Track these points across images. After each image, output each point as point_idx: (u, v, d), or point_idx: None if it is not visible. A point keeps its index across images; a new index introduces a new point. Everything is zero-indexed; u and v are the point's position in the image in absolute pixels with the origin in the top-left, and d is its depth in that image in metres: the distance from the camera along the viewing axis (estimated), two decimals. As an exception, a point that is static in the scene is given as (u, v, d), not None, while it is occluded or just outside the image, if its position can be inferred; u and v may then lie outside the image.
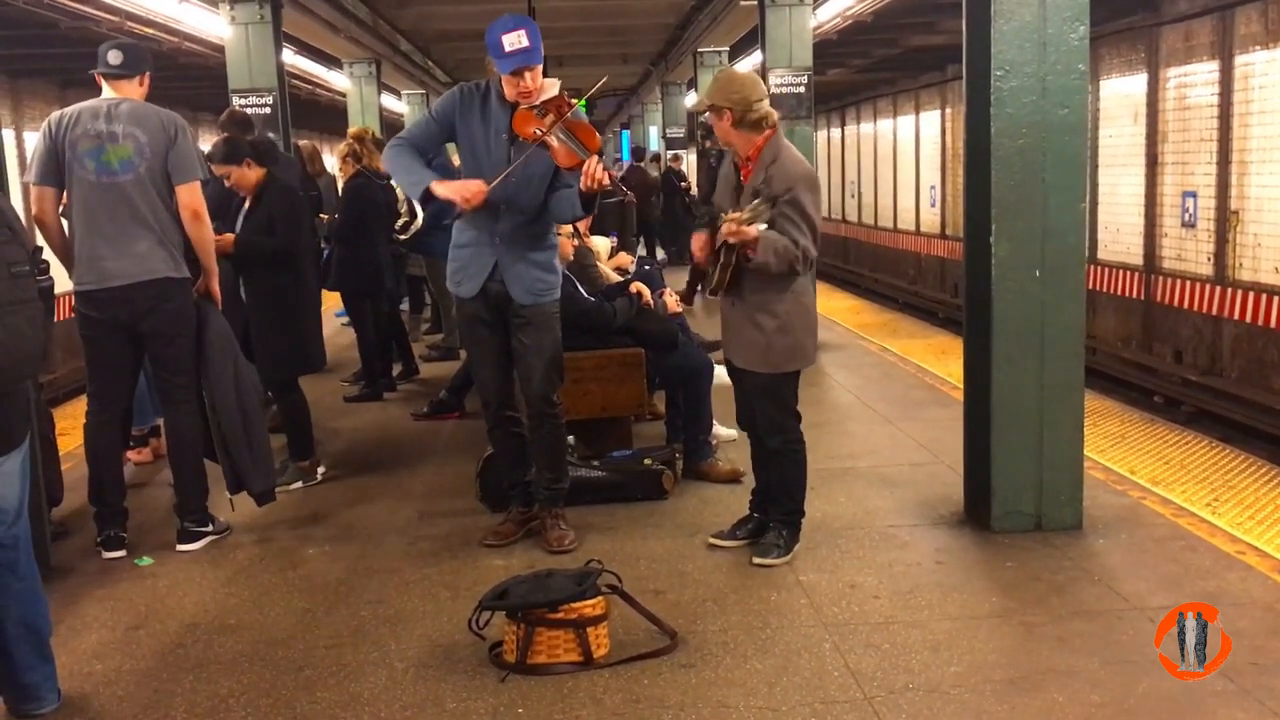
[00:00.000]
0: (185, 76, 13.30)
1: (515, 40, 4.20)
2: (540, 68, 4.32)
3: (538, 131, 4.24)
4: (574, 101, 4.36)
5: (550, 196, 4.44)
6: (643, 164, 18.08)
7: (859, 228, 22.76)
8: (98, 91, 4.72)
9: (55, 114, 4.68)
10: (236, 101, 8.57)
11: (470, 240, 4.52)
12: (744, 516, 4.69)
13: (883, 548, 4.60)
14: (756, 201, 4.15)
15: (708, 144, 12.97)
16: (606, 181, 4.21)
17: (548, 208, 4.48)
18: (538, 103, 4.30)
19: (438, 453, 6.36)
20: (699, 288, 4.41)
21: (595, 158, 4.21)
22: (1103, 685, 3.40)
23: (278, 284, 5.61)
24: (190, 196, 4.68)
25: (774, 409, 4.41)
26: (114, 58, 4.66)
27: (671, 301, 6.18)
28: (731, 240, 4.12)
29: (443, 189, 4.31)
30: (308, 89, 16.56)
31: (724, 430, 5.83)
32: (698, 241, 4.30)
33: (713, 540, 4.64)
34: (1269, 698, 3.30)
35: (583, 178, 4.22)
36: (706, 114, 4.37)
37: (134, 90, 4.71)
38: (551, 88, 4.36)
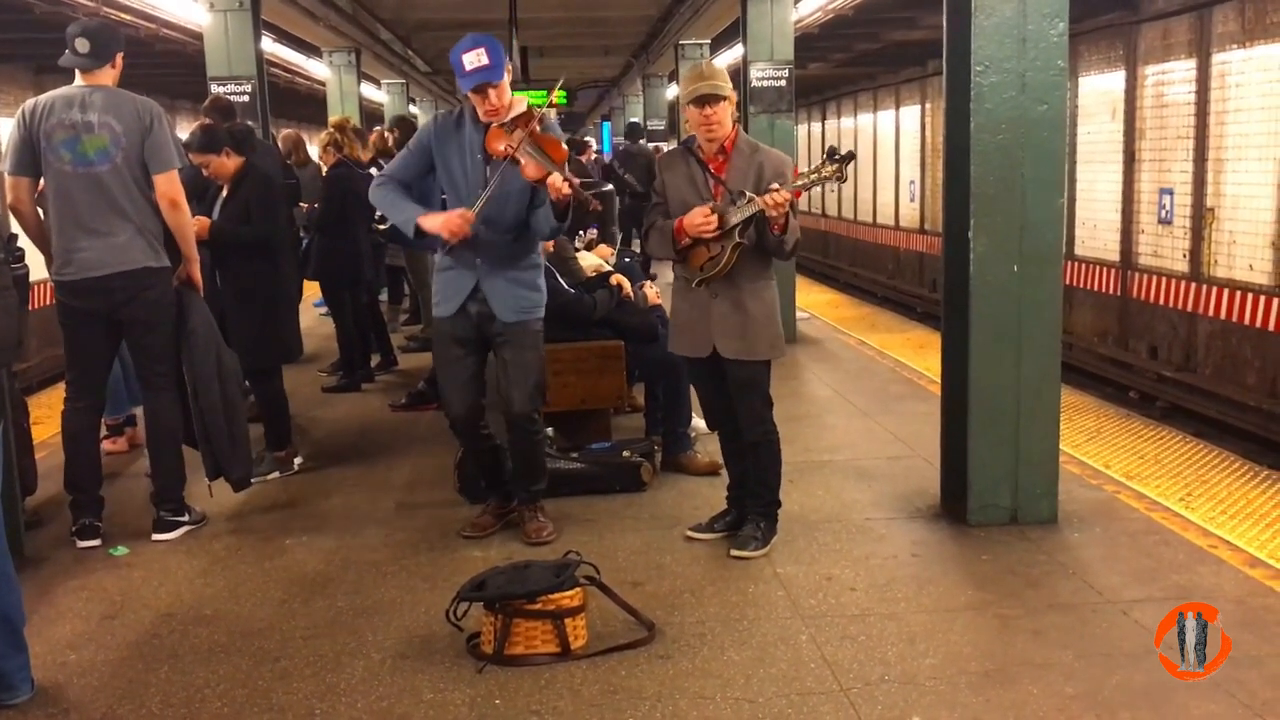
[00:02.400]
0: (162, 64, 13.18)
1: (475, 59, 4.22)
2: (505, 84, 4.31)
3: (507, 149, 4.24)
4: (542, 113, 4.34)
5: (531, 214, 4.42)
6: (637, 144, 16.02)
7: (838, 222, 22.80)
8: (72, 76, 4.67)
9: (29, 102, 4.62)
10: (215, 89, 8.50)
11: (451, 262, 4.49)
12: (722, 510, 4.70)
13: (859, 540, 4.62)
14: (817, 165, 4.11)
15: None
16: (567, 190, 4.18)
17: (530, 226, 4.46)
18: (506, 120, 4.30)
19: (416, 444, 6.34)
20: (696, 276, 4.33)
21: (557, 171, 4.19)
22: (1076, 677, 3.43)
23: (254, 273, 5.58)
24: (168, 185, 4.65)
25: (757, 399, 4.41)
26: (82, 46, 4.57)
27: (652, 293, 6.18)
28: (774, 212, 4.06)
29: (429, 222, 4.33)
30: (286, 77, 16.45)
31: (703, 423, 5.83)
32: (699, 214, 4.20)
33: (690, 533, 4.65)
34: (1239, 690, 3.33)
35: (548, 190, 4.22)
36: (707, 106, 4.21)
37: (107, 76, 4.65)
38: (519, 104, 4.37)
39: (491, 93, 4.27)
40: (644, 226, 4.50)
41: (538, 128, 4.27)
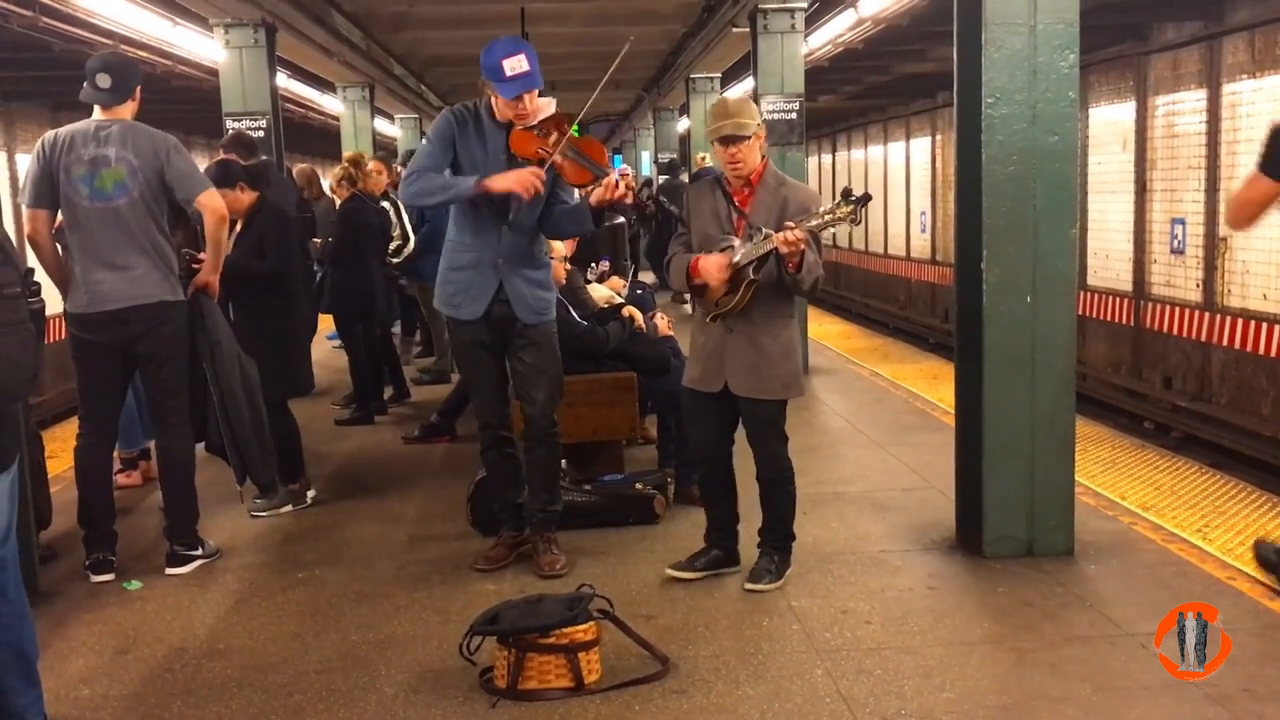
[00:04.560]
0: (178, 100, 13.31)
1: (516, 65, 4.23)
2: (538, 90, 4.35)
3: (542, 151, 4.26)
4: (568, 119, 4.37)
5: (550, 212, 4.46)
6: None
7: (850, 253, 22.82)
8: (89, 111, 4.70)
9: (48, 135, 4.66)
10: (231, 125, 8.59)
11: (470, 262, 4.50)
12: (701, 549, 4.60)
13: (875, 573, 4.59)
14: (831, 206, 4.06)
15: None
16: (629, 197, 4.24)
17: (547, 224, 4.50)
18: (534, 123, 4.32)
19: (429, 476, 6.34)
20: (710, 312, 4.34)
21: (604, 174, 4.25)
22: (1095, 711, 3.39)
23: (266, 307, 5.60)
24: (210, 199, 4.70)
25: (773, 438, 4.38)
26: (103, 81, 4.61)
27: (663, 324, 6.19)
28: (786, 250, 4.04)
29: (499, 182, 4.26)
30: (300, 113, 16.59)
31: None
32: (715, 264, 4.22)
33: (671, 571, 4.54)
34: (1261, 724, 3.30)
35: (603, 191, 4.25)
36: (731, 145, 4.21)
37: (126, 110, 4.69)
38: (547, 107, 4.39)
39: (527, 98, 4.30)
40: (667, 256, 4.51)
41: (573, 131, 4.30)
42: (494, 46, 4.28)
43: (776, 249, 4.07)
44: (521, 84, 4.25)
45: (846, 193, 4.09)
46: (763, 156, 4.34)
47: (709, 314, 4.31)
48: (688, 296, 4.65)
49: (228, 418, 4.85)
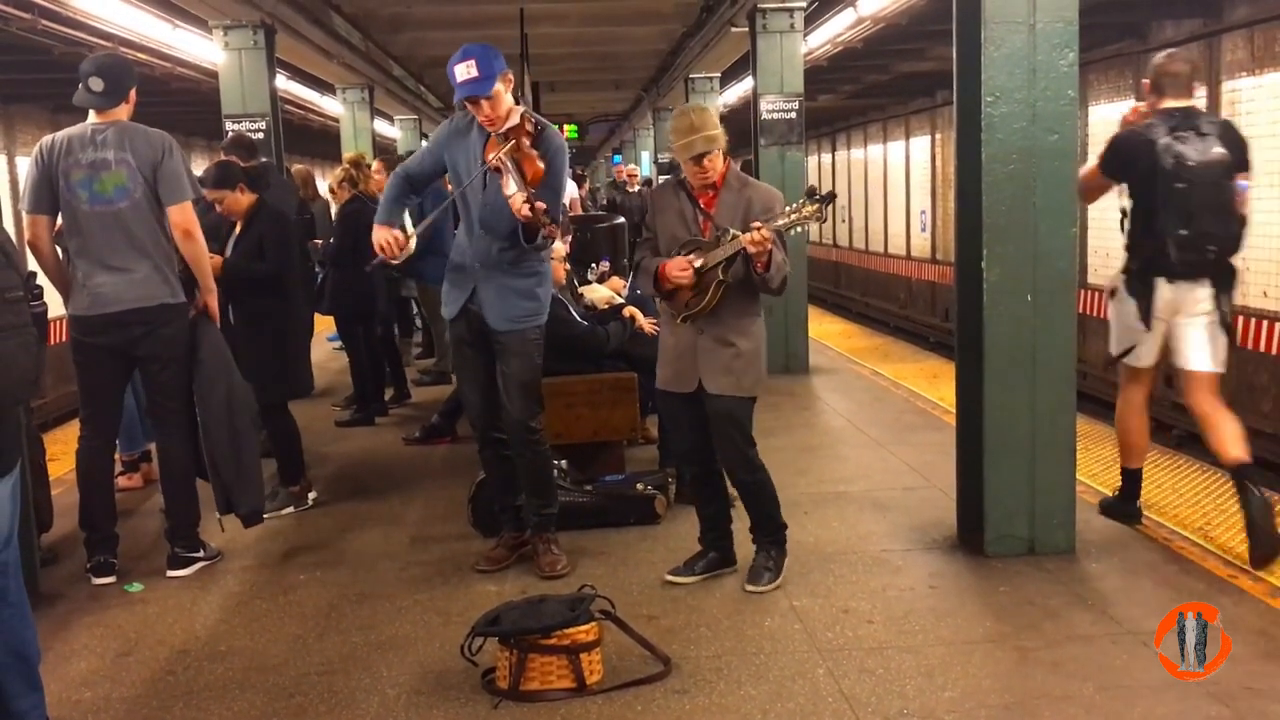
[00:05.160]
0: (178, 102, 13.32)
1: (465, 71, 4.29)
2: (498, 94, 4.34)
3: (494, 158, 4.29)
4: (533, 129, 4.37)
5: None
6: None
7: (850, 252, 22.82)
8: (87, 115, 4.69)
9: (45, 140, 4.65)
10: (230, 127, 8.59)
11: (456, 264, 4.59)
12: (698, 552, 4.60)
13: (876, 572, 4.59)
14: (796, 205, 4.09)
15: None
16: (528, 213, 4.19)
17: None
18: (502, 130, 4.36)
19: (430, 477, 6.34)
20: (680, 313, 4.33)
21: (522, 191, 4.20)
22: (1097, 710, 3.39)
23: (265, 309, 5.60)
24: (181, 216, 4.68)
25: (739, 437, 4.34)
26: (96, 85, 4.58)
27: (648, 324, 6.14)
28: (754, 249, 4.04)
29: (374, 233, 4.52)
30: (300, 114, 16.59)
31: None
32: (679, 266, 4.24)
33: (669, 577, 4.53)
34: (1263, 722, 3.29)
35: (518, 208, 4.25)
36: (704, 159, 4.23)
37: (121, 112, 4.68)
38: (514, 115, 4.41)
39: (485, 104, 4.33)
40: (634, 262, 4.53)
41: (526, 142, 4.32)
42: (453, 56, 4.34)
43: (744, 249, 4.08)
44: (467, 90, 4.30)
45: (811, 191, 4.14)
46: (725, 158, 4.33)
47: (679, 315, 4.32)
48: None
49: (208, 441, 4.82)
